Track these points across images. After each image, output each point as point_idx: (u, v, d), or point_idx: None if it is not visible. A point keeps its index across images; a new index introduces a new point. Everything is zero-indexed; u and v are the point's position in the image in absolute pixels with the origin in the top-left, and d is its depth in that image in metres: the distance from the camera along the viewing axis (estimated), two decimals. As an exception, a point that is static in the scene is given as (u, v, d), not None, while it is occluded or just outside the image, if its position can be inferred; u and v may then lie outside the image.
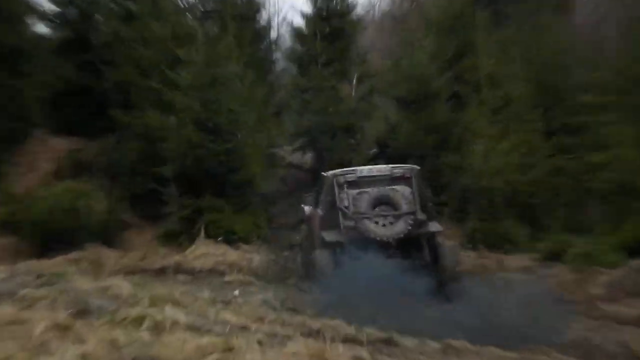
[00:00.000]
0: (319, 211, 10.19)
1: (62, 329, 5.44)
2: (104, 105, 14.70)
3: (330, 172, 10.43)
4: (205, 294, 8.50)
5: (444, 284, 9.02)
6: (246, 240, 11.82)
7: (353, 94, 17.66)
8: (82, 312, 6.46)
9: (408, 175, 9.93)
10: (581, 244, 10.27)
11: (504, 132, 14.74)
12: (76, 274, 8.07)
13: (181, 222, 11.89)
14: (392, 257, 9.13)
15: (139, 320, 6.00)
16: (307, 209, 11.31)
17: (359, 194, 9.70)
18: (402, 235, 9.40)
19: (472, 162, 13.21)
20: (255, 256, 11.28)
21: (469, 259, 11.49)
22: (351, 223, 9.48)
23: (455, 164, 14.50)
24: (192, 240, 11.44)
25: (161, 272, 10.35)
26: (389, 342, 6.27)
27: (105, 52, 15.60)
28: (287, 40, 20.65)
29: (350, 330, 6.52)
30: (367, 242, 9.28)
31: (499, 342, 6.93)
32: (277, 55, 20.47)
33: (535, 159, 14.74)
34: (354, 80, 17.93)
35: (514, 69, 16.67)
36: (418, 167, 10.43)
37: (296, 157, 19.31)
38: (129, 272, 10.31)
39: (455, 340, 6.18)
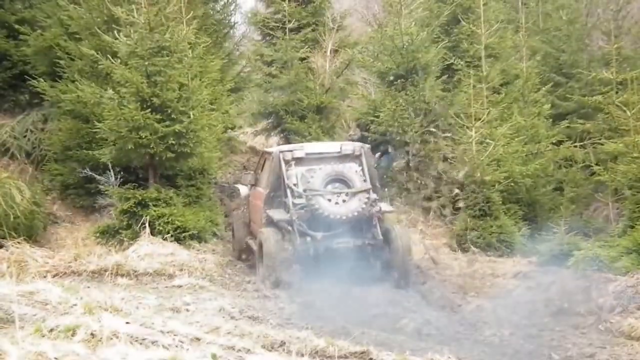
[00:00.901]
0: (262, 189, 11.15)
1: (-21, 341, 5.46)
2: (24, 74, 14.62)
3: (276, 148, 11.51)
4: (151, 300, 8.59)
5: (397, 268, 10.30)
6: (199, 238, 11.90)
7: (327, 67, 17.79)
8: (3, 320, 6.53)
9: (358, 153, 10.92)
10: (589, 247, 10.58)
11: (504, 114, 15.07)
12: (-5, 276, 8.08)
13: (122, 216, 11.86)
14: (343, 236, 10.27)
15: (71, 331, 6.07)
16: (243, 189, 12.28)
17: (308, 171, 10.61)
18: (356, 214, 10.27)
19: (465, 150, 13.45)
20: (209, 256, 11.40)
21: (457, 262, 11.80)
22: (301, 201, 10.31)
23: (446, 151, 14.81)
24: (134, 237, 11.44)
25: (98, 274, 10.35)
26: (364, 356, 6.48)
27: (23, 9, 15.49)
28: None
29: (320, 342, 6.72)
30: (317, 221, 10.21)
31: (490, 359, 7.21)
32: (237, 17, 20.48)
33: (540, 147, 15.11)
34: (329, 51, 18.04)
35: (518, 39, 17.00)
36: (368, 145, 11.52)
37: (259, 142, 19.42)
38: (59, 274, 10.34)
39: (439, 355, 6.41)
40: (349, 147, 11.08)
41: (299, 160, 10.75)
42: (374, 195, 10.49)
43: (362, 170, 10.71)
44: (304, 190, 10.32)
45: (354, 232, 10.39)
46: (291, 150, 10.86)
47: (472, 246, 12.41)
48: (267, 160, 11.32)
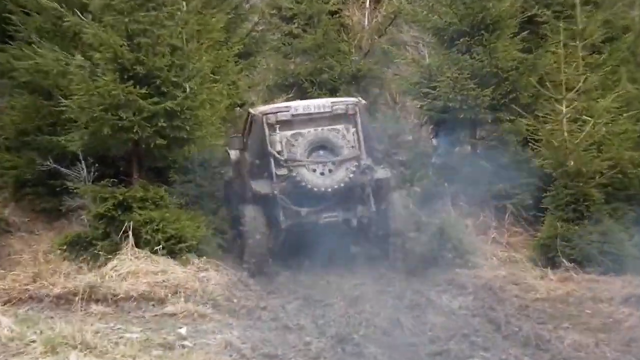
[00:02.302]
0: (247, 156, 12.67)
1: None
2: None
3: (259, 110, 12.94)
4: (135, 333, 8.60)
5: (392, 243, 12.08)
6: (199, 251, 11.88)
7: (366, 23, 17.72)
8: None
9: (352, 112, 12.30)
10: None
11: (608, 82, 14.81)
12: None
13: (97, 222, 11.89)
14: (332, 210, 11.86)
15: (27, 377, 6.09)
16: (233, 152, 13.73)
17: (293, 136, 12.04)
18: (342, 185, 11.81)
19: (554, 131, 13.26)
20: (213, 275, 11.38)
21: (544, 281, 11.62)
22: (284, 171, 11.87)
23: (526, 132, 14.57)
24: (114, 250, 11.47)
25: (64, 300, 10.39)
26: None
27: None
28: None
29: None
30: (303, 194, 11.76)
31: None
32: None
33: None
34: (368, 2, 17.95)
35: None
36: (364, 102, 13.16)
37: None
38: (12, 300, 10.43)
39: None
40: (341, 105, 12.41)
41: (284, 124, 12.07)
42: (366, 162, 11.92)
43: (356, 131, 12.04)
44: (285, 161, 11.72)
45: (344, 205, 11.91)
46: (275, 113, 12.21)
47: (564, 260, 12.21)
48: (253, 124, 12.68)
